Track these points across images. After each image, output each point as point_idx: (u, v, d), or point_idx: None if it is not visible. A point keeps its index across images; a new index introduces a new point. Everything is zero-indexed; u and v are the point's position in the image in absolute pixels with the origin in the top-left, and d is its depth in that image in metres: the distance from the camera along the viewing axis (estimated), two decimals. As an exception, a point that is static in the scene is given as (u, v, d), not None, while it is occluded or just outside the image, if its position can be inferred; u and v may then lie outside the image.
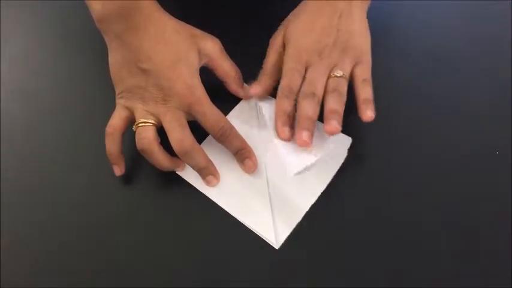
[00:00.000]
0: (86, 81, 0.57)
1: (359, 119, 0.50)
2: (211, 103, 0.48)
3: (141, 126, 0.47)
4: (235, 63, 0.53)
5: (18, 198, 0.50)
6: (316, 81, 0.49)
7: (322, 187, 0.49)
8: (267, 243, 0.47)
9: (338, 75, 0.49)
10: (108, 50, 0.49)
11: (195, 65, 0.49)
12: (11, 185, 0.50)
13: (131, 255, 0.47)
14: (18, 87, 0.57)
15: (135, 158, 0.50)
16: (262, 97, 0.53)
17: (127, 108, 0.48)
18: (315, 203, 0.48)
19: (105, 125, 0.48)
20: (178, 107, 0.47)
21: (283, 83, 0.50)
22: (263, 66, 0.53)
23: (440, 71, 0.56)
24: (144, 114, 0.47)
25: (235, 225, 0.48)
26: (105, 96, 0.53)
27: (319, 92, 0.49)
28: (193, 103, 0.47)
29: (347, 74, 0.50)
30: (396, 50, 0.58)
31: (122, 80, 0.48)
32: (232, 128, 0.49)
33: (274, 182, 0.49)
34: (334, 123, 0.47)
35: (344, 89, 0.49)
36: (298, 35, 0.51)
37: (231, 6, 0.61)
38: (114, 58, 0.48)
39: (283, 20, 0.55)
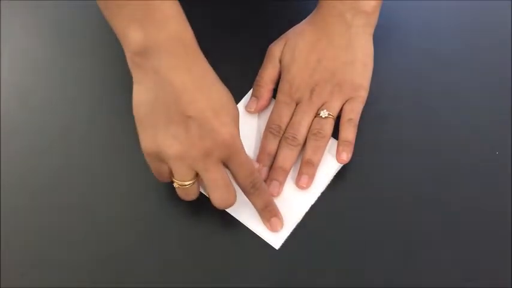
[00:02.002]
0: (87, 81, 0.57)
1: (360, 120, 0.51)
2: (246, 152, 0.46)
3: (182, 188, 0.45)
4: (235, 64, 0.53)
5: (18, 198, 0.50)
6: (300, 123, 0.50)
7: (321, 188, 0.49)
8: (267, 243, 0.47)
9: (323, 116, 0.50)
10: (137, 87, 0.42)
11: (234, 113, 0.45)
12: (11, 185, 0.50)
13: (131, 255, 0.47)
14: (18, 87, 0.57)
15: (134, 158, 0.50)
16: (258, 112, 0.53)
17: (163, 162, 0.44)
18: (314, 203, 0.48)
19: (105, 125, 0.48)
20: (219, 159, 0.43)
21: (272, 117, 0.51)
22: (259, 78, 0.53)
23: (440, 71, 0.56)
24: (181, 172, 0.43)
25: (235, 225, 0.48)
26: (105, 96, 0.54)
27: (302, 135, 0.49)
28: (234, 153, 0.43)
29: (335, 113, 0.50)
30: (396, 50, 0.58)
31: (155, 125, 0.42)
32: (262, 181, 0.46)
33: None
34: (305, 179, 0.48)
35: (328, 131, 0.50)
36: (293, 66, 0.52)
37: (231, 7, 0.61)
38: (144, 97, 0.42)
39: (282, 20, 0.55)
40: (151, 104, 0.42)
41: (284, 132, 0.50)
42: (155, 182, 0.47)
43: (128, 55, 0.42)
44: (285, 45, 0.53)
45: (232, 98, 0.45)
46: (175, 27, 0.40)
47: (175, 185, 0.45)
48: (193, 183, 0.45)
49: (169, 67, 0.41)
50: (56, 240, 0.48)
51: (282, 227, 0.47)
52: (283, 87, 0.52)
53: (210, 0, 0.61)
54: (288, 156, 0.49)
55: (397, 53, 0.58)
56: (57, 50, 0.60)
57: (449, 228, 0.47)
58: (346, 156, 0.49)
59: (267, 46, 0.54)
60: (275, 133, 0.50)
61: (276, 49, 0.53)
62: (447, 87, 0.55)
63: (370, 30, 0.52)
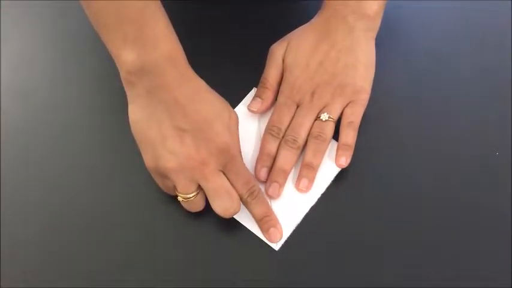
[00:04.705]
0: (86, 81, 0.57)
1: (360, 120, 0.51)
2: (243, 160, 0.47)
3: (187, 201, 0.46)
4: (235, 64, 0.53)
5: (18, 198, 0.50)
6: (300, 126, 0.50)
7: (321, 189, 0.49)
8: (267, 244, 0.47)
9: (324, 119, 0.50)
10: (132, 106, 0.44)
11: (229, 122, 0.46)
12: (11, 185, 0.50)
13: (131, 255, 0.47)
14: (18, 87, 0.57)
15: (134, 158, 0.50)
16: (260, 112, 0.53)
17: (166, 177, 0.45)
18: (314, 204, 0.48)
19: (105, 125, 0.48)
20: (217, 167, 0.44)
21: (272, 119, 0.51)
22: (264, 79, 0.53)
23: (441, 71, 0.56)
24: (183, 185, 0.44)
25: (235, 226, 0.48)
26: (105, 96, 0.54)
27: (302, 138, 0.49)
28: (229, 161, 0.45)
29: (335, 116, 0.50)
30: (397, 50, 0.58)
31: (152, 142, 0.44)
32: (260, 190, 0.47)
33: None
34: (305, 182, 0.48)
35: (328, 133, 0.50)
36: (294, 68, 0.51)
37: (231, 7, 0.61)
38: (139, 116, 0.44)
39: (282, 20, 0.54)
40: (146, 121, 0.44)
41: (284, 134, 0.50)
42: (155, 182, 0.47)
43: (122, 74, 0.43)
44: (287, 46, 0.53)
45: (227, 106, 0.46)
46: (166, 47, 0.42)
47: (179, 198, 0.46)
48: (197, 194, 0.45)
49: (161, 85, 0.42)
50: (56, 239, 0.48)
51: (281, 237, 0.47)
52: (285, 89, 0.52)
53: (210, 0, 0.61)
54: (288, 158, 0.49)
55: (397, 53, 0.58)
56: (57, 50, 0.60)
57: (449, 228, 0.47)
58: (345, 161, 0.49)
59: (267, 46, 0.54)
60: (275, 135, 0.50)
61: (278, 50, 0.53)
62: (447, 88, 0.55)
63: (373, 34, 0.52)
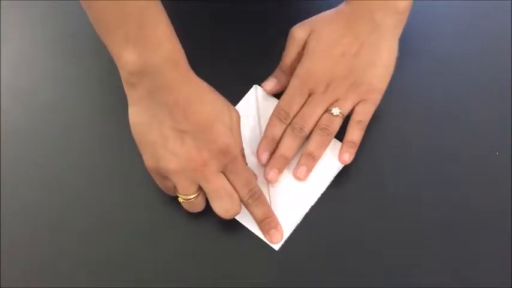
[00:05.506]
0: (86, 81, 0.57)
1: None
2: (245, 161, 0.47)
3: (187, 202, 0.46)
4: (235, 64, 0.53)
5: (18, 198, 0.50)
6: (310, 116, 0.49)
7: (322, 188, 0.49)
8: (267, 243, 0.47)
9: (334, 113, 0.49)
10: (133, 108, 0.44)
11: (230, 122, 0.45)
12: (11, 186, 0.50)
13: (131, 255, 0.47)
14: (18, 87, 0.57)
15: (134, 158, 0.50)
16: (273, 93, 0.53)
17: (166, 178, 0.45)
18: (314, 204, 0.48)
19: (105, 125, 0.48)
20: (218, 168, 0.44)
21: (282, 102, 0.50)
22: (282, 62, 0.52)
23: (441, 71, 0.56)
24: (183, 186, 0.45)
25: (235, 226, 0.48)
26: (105, 96, 0.53)
27: (309, 127, 0.49)
28: (230, 161, 0.45)
29: (345, 112, 0.50)
30: (398, 50, 0.58)
31: (153, 144, 0.44)
32: (261, 192, 0.47)
33: (274, 184, 0.49)
34: (303, 170, 0.48)
35: (335, 128, 0.49)
36: (315, 55, 0.51)
37: (231, 7, 0.61)
38: (140, 118, 0.44)
39: (282, 20, 0.54)
40: (147, 123, 0.43)
41: (291, 121, 0.50)
42: (155, 182, 0.47)
43: (123, 74, 0.42)
44: (310, 31, 0.51)
45: (229, 106, 0.46)
46: (167, 49, 0.41)
47: (180, 199, 0.46)
48: (197, 195, 0.45)
49: (162, 87, 0.42)
50: (56, 239, 0.48)
51: (281, 238, 0.47)
52: (301, 72, 0.51)
53: (210, 0, 0.61)
54: (291, 145, 0.49)
55: (397, 53, 0.57)
56: (57, 50, 0.60)
57: (449, 228, 0.47)
58: (348, 158, 0.49)
59: (267, 46, 0.54)
60: (282, 119, 0.49)
61: (300, 34, 0.52)
62: (447, 88, 0.55)
63: (399, 31, 0.51)
